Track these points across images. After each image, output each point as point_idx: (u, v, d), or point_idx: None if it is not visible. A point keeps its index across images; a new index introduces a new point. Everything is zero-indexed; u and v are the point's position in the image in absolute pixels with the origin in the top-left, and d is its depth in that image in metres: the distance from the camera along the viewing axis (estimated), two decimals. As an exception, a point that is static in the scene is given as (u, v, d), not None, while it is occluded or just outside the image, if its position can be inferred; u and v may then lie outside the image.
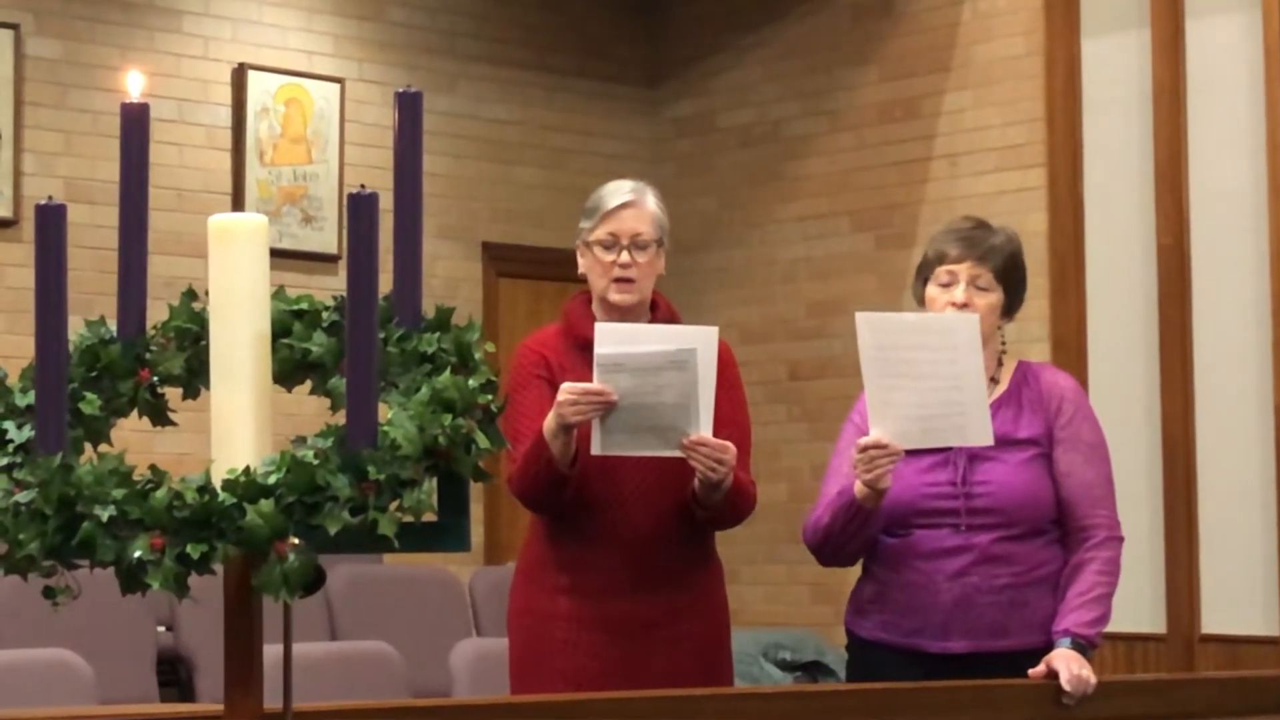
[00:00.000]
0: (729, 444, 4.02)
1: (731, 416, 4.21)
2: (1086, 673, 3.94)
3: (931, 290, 4.17)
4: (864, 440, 3.97)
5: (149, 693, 6.93)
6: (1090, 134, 8.94)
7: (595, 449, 3.99)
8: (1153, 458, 8.56)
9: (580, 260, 4.29)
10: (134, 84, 2.70)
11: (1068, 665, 3.94)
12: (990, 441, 3.99)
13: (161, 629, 7.24)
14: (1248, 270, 8.45)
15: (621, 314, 4.22)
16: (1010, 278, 4.19)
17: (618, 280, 4.21)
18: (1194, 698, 4.28)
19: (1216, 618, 8.41)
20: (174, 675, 7.21)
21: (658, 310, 4.30)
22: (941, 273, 4.17)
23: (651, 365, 3.92)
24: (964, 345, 3.93)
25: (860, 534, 4.10)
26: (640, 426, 3.96)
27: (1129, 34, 8.80)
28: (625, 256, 4.21)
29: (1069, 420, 4.17)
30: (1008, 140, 9.26)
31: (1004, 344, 4.26)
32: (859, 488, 4.00)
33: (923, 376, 3.93)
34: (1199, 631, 8.45)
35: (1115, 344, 8.79)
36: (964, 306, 4.10)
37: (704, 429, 3.97)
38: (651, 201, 4.28)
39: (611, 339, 3.97)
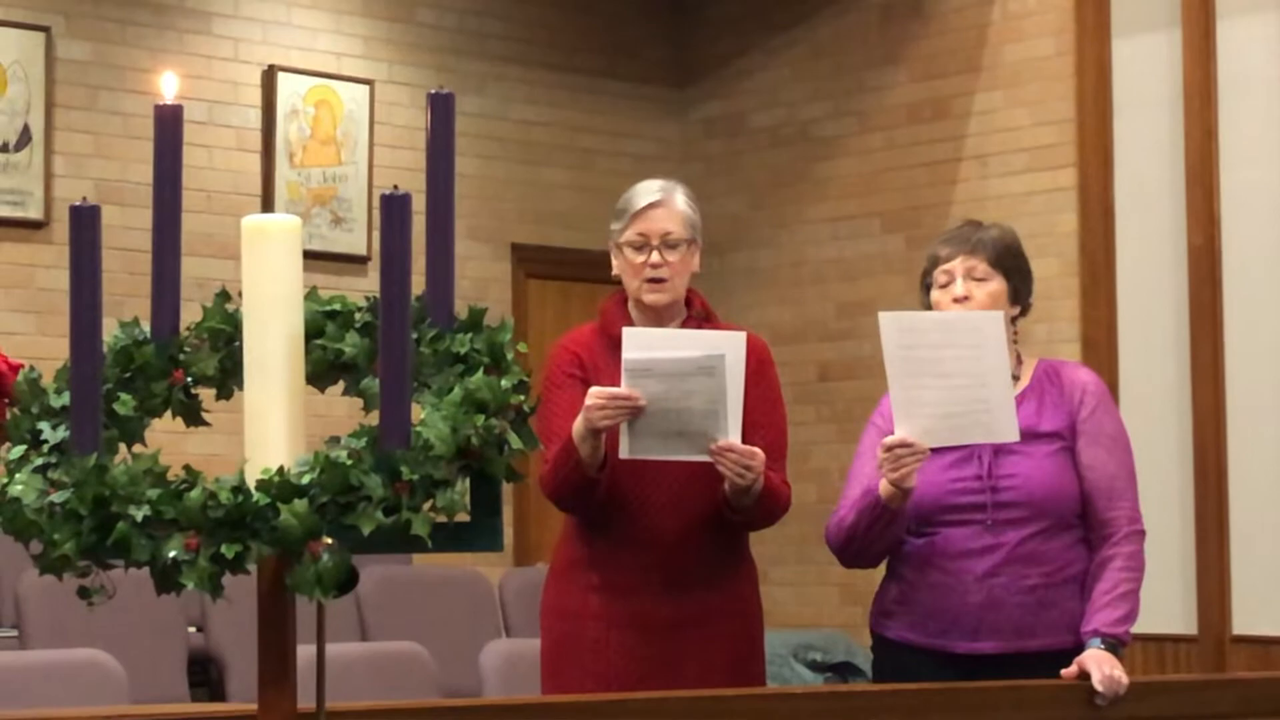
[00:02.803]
0: (757, 450, 4.02)
1: (768, 417, 4.21)
2: (1118, 673, 3.93)
3: (934, 295, 4.20)
4: (890, 439, 3.97)
5: (180, 693, 6.95)
6: (1121, 134, 8.92)
7: (623, 452, 3.99)
8: (1184, 458, 8.54)
9: (613, 262, 4.29)
10: (168, 86, 2.71)
11: (1099, 666, 3.94)
12: (1016, 438, 3.99)
13: (192, 629, 7.26)
14: (1278, 270, 8.42)
15: (656, 314, 4.22)
16: (1007, 263, 4.19)
17: (650, 281, 4.21)
18: (1225, 698, 4.27)
19: (1247, 619, 8.39)
20: (204, 676, 7.24)
21: (693, 308, 4.30)
22: (939, 274, 4.19)
23: (679, 371, 3.92)
24: (989, 343, 3.93)
25: (885, 534, 4.09)
26: (668, 431, 3.96)
27: (1160, 34, 8.78)
28: (656, 256, 4.20)
29: (1091, 413, 4.17)
30: (1038, 141, 9.24)
31: (1016, 337, 4.25)
32: (885, 487, 4.00)
33: (948, 375, 3.93)
34: (1230, 632, 8.43)
35: (1146, 344, 8.77)
36: (965, 299, 4.12)
37: (732, 435, 3.97)
38: (681, 200, 4.27)
39: (639, 344, 3.97)
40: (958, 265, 4.16)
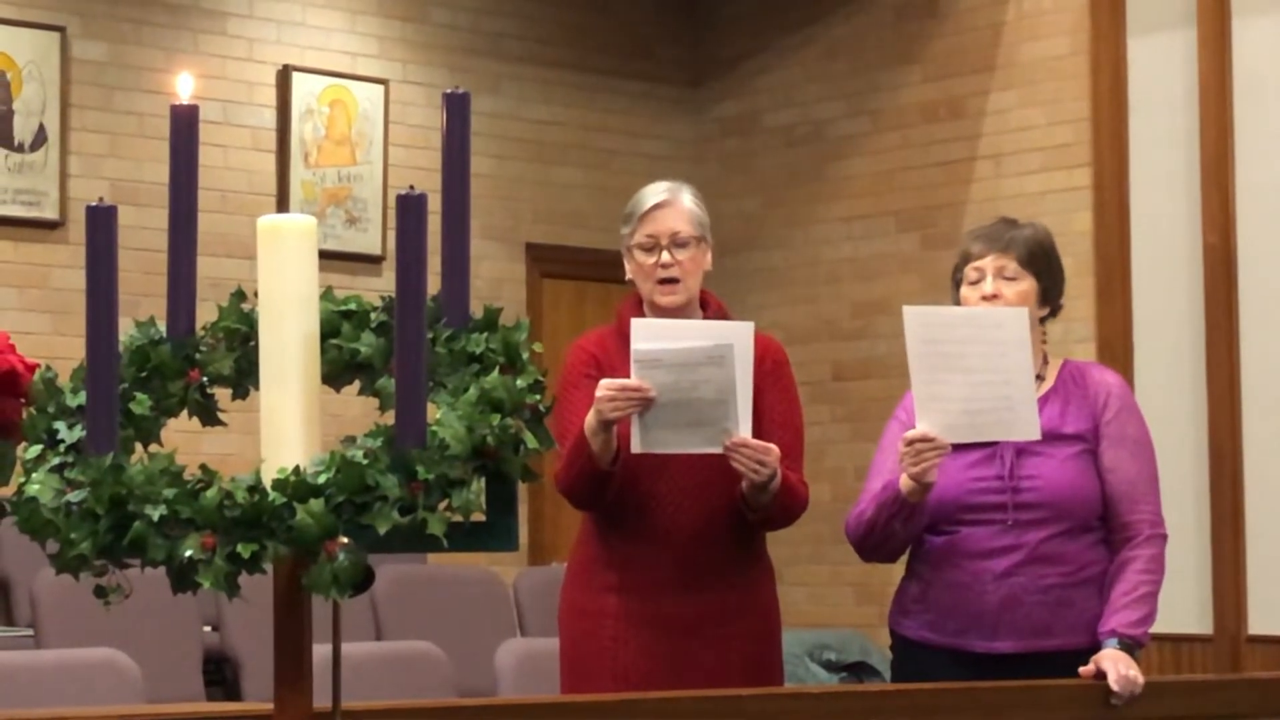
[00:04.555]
0: (771, 445, 4.02)
1: (784, 417, 4.21)
2: (1134, 673, 3.93)
3: (964, 291, 4.19)
4: (911, 434, 3.97)
5: (196, 692, 6.96)
6: (1136, 133, 8.91)
7: (635, 446, 3.99)
8: (1199, 458, 8.53)
9: (627, 266, 4.30)
10: (183, 87, 2.71)
11: (1115, 666, 3.93)
12: (1037, 436, 3.99)
13: (207, 629, 7.27)
14: (1294, 269, 8.42)
15: (670, 315, 4.21)
16: (1039, 264, 4.19)
17: (662, 282, 4.21)
18: (1241, 698, 4.27)
19: (1263, 618, 8.38)
20: (220, 675, 7.24)
21: (708, 309, 4.30)
22: (970, 271, 4.19)
23: (689, 361, 3.92)
24: (1012, 340, 3.93)
25: (904, 529, 4.10)
26: (679, 423, 3.95)
27: (1175, 33, 8.77)
28: (666, 256, 4.21)
29: (1115, 416, 4.17)
30: (1053, 140, 9.23)
31: (1045, 338, 4.25)
32: (905, 481, 4.00)
33: (970, 371, 3.93)
34: (1245, 632, 8.42)
35: (1161, 344, 8.76)
36: (994, 298, 4.12)
37: (743, 424, 3.96)
38: (687, 199, 4.28)
39: (648, 335, 3.97)
40: (989, 263, 4.16)
